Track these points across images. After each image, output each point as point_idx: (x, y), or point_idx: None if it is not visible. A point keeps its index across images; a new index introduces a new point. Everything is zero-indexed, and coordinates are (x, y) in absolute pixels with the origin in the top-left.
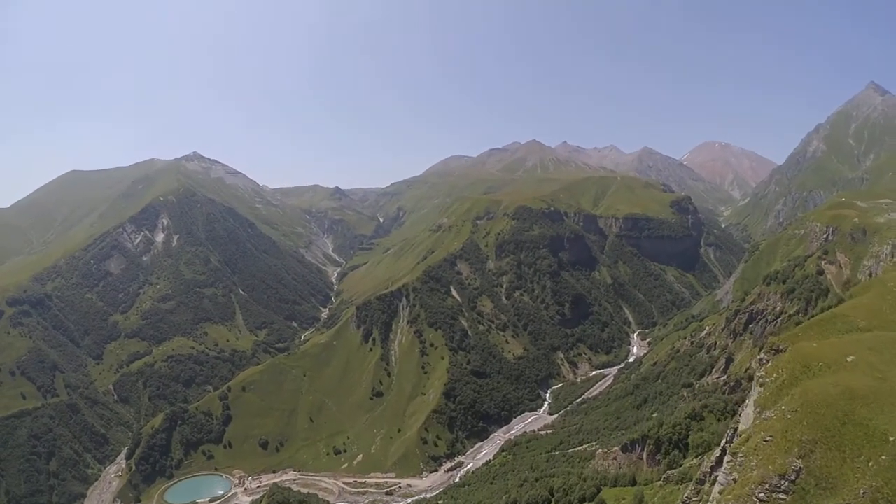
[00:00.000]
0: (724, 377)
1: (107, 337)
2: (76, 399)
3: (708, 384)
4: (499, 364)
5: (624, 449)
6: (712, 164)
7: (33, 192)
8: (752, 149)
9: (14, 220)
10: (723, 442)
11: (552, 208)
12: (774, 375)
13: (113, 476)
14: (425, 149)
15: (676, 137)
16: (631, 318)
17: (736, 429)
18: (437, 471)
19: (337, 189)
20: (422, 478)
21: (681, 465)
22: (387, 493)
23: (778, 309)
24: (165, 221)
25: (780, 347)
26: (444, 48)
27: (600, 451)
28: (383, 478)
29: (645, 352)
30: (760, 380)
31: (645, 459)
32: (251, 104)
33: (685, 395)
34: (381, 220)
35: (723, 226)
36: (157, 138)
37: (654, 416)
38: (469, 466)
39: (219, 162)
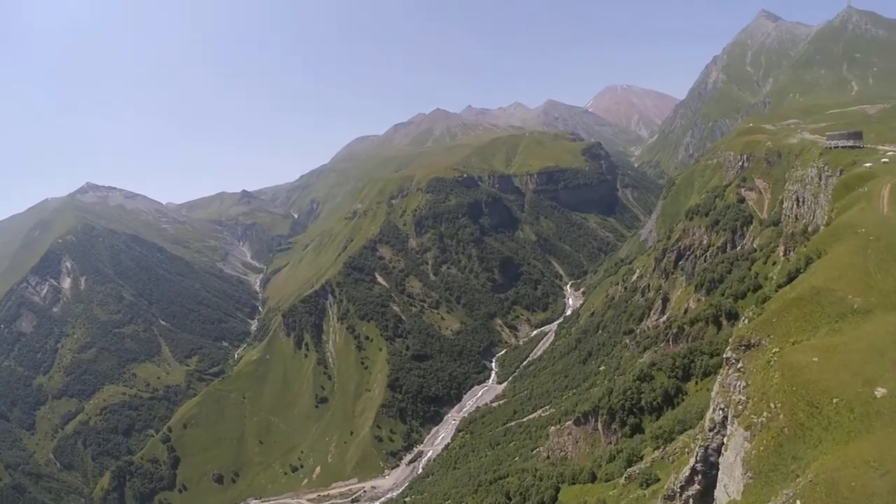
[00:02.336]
0: (664, 318)
1: (34, 403)
2: (19, 478)
3: (649, 328)
4: (438, 343)
5: (577, 422)
6: (617, 107)
7: None
8: (654, 87)
9: None
10: (691, 461)
11: (465, 175)
12: (765, 415)
13: None
14: (329, 134)
15: (579, 86)
16: (561, 272)
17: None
18: (398, 466)
19: (244, 192)
20: (384, 476)
21: (642, 434)
22: (353, 501)
23: (705, 242)
24: (69, 265)
25: (753, 342)
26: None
27: (554, 428)
28: (346, 486)
29: (581, 302)
30: (740, 411)
31: (601, 431)
32: (130, 116)
33: (628, 342)
34: (297, 216)
35: (636, 165)
36: (51, 177)
37: (601, 369)
38: (429, 454)
39: (115, 188)
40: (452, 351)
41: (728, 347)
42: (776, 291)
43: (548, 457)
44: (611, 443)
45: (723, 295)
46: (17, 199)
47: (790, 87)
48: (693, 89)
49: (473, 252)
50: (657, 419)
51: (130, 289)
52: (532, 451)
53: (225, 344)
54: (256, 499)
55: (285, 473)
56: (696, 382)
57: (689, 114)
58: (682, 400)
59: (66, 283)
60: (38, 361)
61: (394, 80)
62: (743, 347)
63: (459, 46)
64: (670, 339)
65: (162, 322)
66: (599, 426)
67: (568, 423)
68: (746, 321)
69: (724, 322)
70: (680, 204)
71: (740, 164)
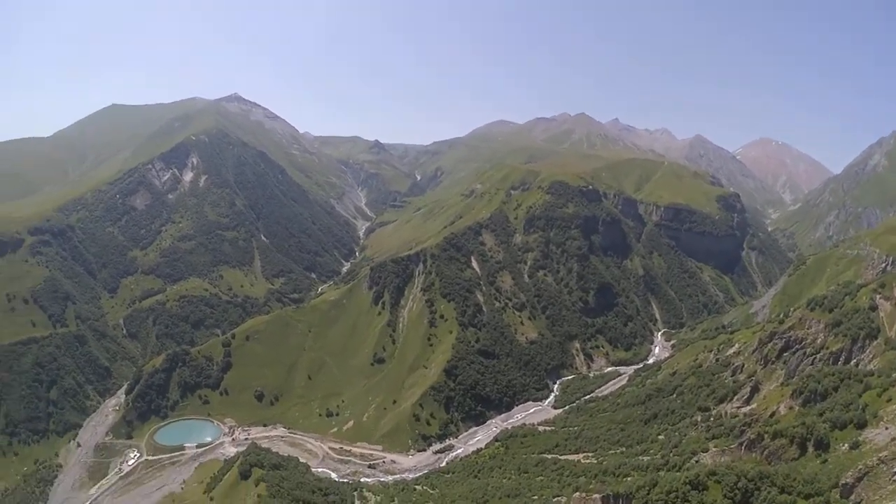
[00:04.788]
0: (747, 410)
1: (123, 271)
2: (84, 331)
3: (726, 415)
4: (509, 346)
5: (605, 500)
6: (766, 161)
7: (73, 123)
8: (809, 152)
9: (52, 150)
10: None
11: (591, 187)
12: None
13: (111, 409)
14: (472, 111)
15: (732, 128)
16: (658, 316)
17: None
18: (424, 450)
19: (377, 143)
20: (408, 455)
21: None
22: (369, 466)
23: (819, 342)
24: (195, 161)
25: None
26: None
27: (578, 495)
28: (369, 449)
29: (667, 355)
30: None
31: None
32: (299, 57)
33: (699, 421)
34: (419, 179)
35: (769, 229)
36: (204, 81)
37: (660, 437)
38: (459, 451)
39: (259, 105)
40: (520, 359)
41: None
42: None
43: None
44: None
45: (820, 416)
46: (166, 93)
47: None
48: (850, 167)
49: (575, 267)
50: None
51: (244, 199)
52: (553, 498)
53: (313, 276)
54: (285, 427)
55: (320, 415)
56: None
57: (839, 191)
58: None
59: (188, 176)
60: (139, 237)
61: (548, 73)
62: None
63: (623, 59)
64: (744, 444)
65: (263, 238)
66: None
67: (595, 496)
68: None
69: (811, 450)
70: (804, 287)
71: (883, 265)
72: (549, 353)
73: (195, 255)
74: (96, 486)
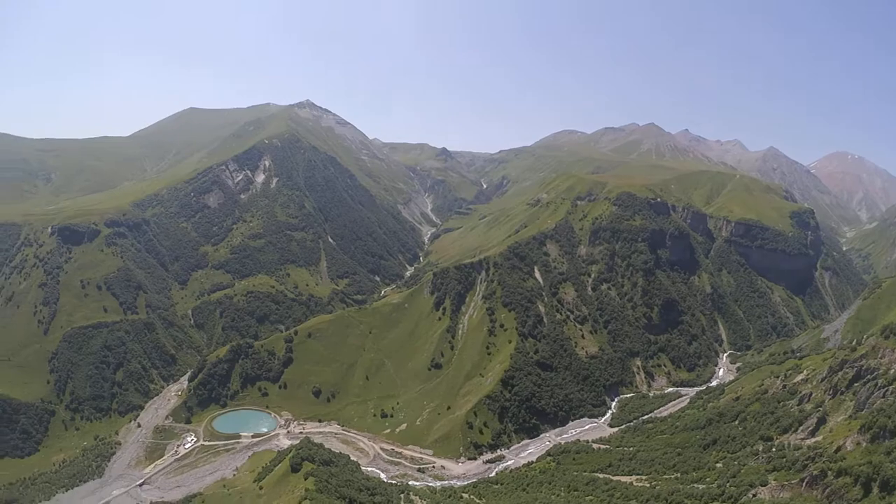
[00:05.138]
0: (811, 443)
1: (194, 265)
2: (154, 319)
3: (789, 446)
4: (568, 359)
5: None
6: (842, 177)
7: (153, 124)
8: (887, 168)
9: (132, 149)
10: None
11: (659, 199)
12: None
13: (173, 394)
14: (539, 121)
15: (807, 141)
16: (724, 336)
17: None
18: (475, 459)
19: (444, 150)
20: (458, 462)
21: None
22: (419, 470)
23: (892, 373)
24: (267, 163)
25: None
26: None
27: None
28: (420, 452)
29: (731, 379)
30: None
31: None
32: (371, 65)
33: (760, 450)
34: (485, 187)
35: (843, 249)
36: (275, 87)
37: (717, 465)
38: (509, 463)
39: (330, 112)
40: (579, 373)
41: None
42: None
43: None
44: None
45: (888, 455)
46: (242, 98)
47: None
48: None
49: (640, 281)
50: None
51: (313, 201)
52: None
53: (377, 279)
54: (339, 424)
55: (374, 415)
56: None
57: None
58: None
59: (260, 178)
60: (211, 233)
61: (618, 83)
62: None
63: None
64: (806, 480)
65: (330, 239)
66: None
67: None
68: None
69: (876, 491)
70: (879, 313)
71: None
72: (608, 368)
73: (264, 253)
74: (152, 465)
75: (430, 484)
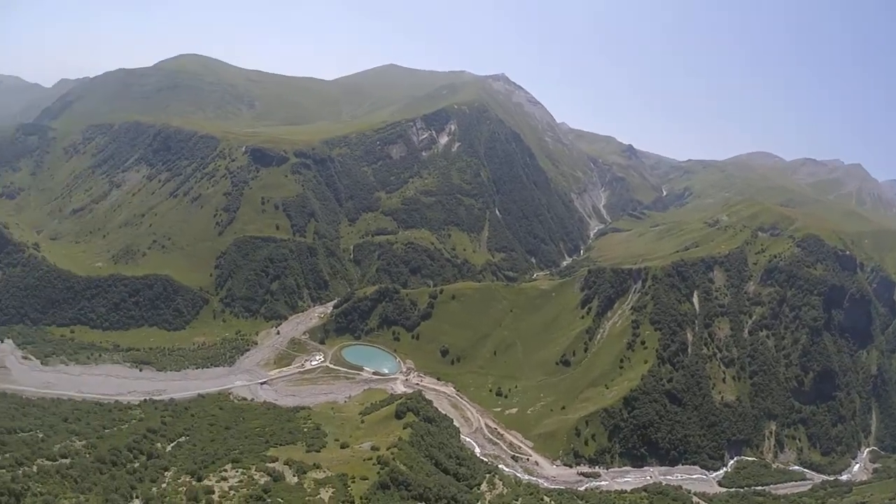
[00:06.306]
0: None
1: (366, 207)
2: (318, 245)
3: None
4: (700, 399)
5: None
6: None
7: (355, 73)
8: None
9: (332, 92)
10: None
11: (848, 252)
12: None
13: (316, 315)
14: (733, 135)
15: None
16: (874, 429)
17: None
18: (571, 467)
19: (630, 147)
20: (553, 464)
21: None
22: (512, 457)
23: None
24: (453, 127)
25: None
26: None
27: None
28: (521, 441)
29: (864, 479)
30: None
31: None
32: (569, 49)
33: None
34: (664, 194)
35: None
36: (473, 57)
37: None
38: (603, 483)
39: (523, 88)
40: (707, 417)
41: None
42: None
43: None
44: None
45: None
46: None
47: None
48: None
49: (803, 339)
50: None
51: (489, 171)
52: None
53: (532, 260)
54: (455, 388)
55: (490, 391)
56: None
57: None
58: None
59: (443, 140)
60: (387, 182)
61: (827, 112)
62: None
63: None
64: None
65: (497, 212)
66: None
67: None
68: None
69: None
70: None
71: None
72: (739, 423)
73: (432, 211)
74: (277, 370)
75: (518, 475)
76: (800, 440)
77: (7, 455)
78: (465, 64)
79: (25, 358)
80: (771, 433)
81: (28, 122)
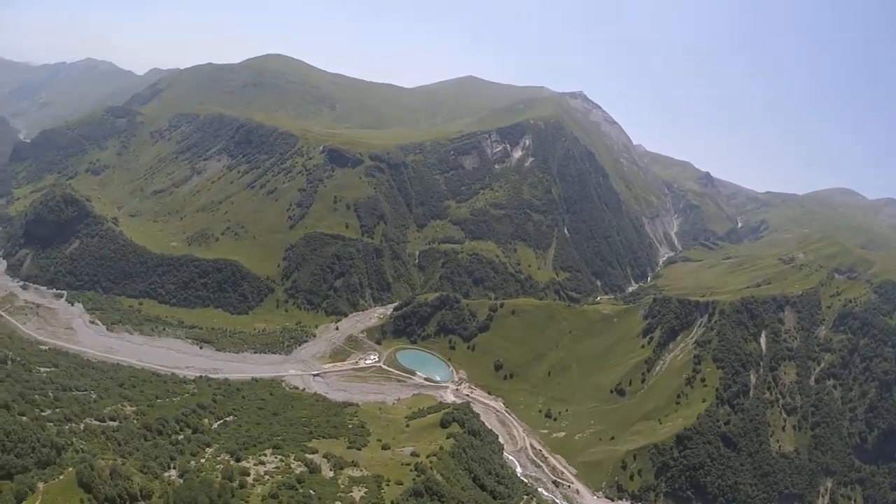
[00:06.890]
0: None
1: (435, 215)
2: (385, 248)
3: None
4: (757, 446)
5: None
6: None
7: (434, 83)
8: None
9: (410, 100)
10: None
11: None
12: None
13: (375, 316)
14: (813, 169)
15: None
16: None
17: None
18: (612, 500)
19: (707, 175)
20: (595, 495)
21: None
22: (554, 482)
23: None
24: (527, 142)
25: None
26: None
27: None
28: (564, 466)
29: None
30: None
31: None
32: (649, 72)
33: None
34: (739, 226)
35: None
36: (552, 74)
37: None
38: None
39: (601, 108)
40: (761, 466)
41: None
42: None
43: None
44: None
45: None
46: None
47: None
48: None
49: (871, 393)
50: None
51: (560, 189)
52: None
53: (597, 283)
54: (504, 404)
55: (539, 411)
56: None
57: None
58: None
59: (517, 154)
60: (458, 191)
61: None
62: None
63: None
64: None
65: (565, 230)
66: None
67: None
68: None
69: None
70: None
71: None
72: (794, 476)
73: (500, 224)
74: (331, 364)
75: (557, 501)
76: (855, 501)
77: (57, 410)
78: (543, 80)
79: (93, 322)
80: (826, 490)
81: (118, 105)
